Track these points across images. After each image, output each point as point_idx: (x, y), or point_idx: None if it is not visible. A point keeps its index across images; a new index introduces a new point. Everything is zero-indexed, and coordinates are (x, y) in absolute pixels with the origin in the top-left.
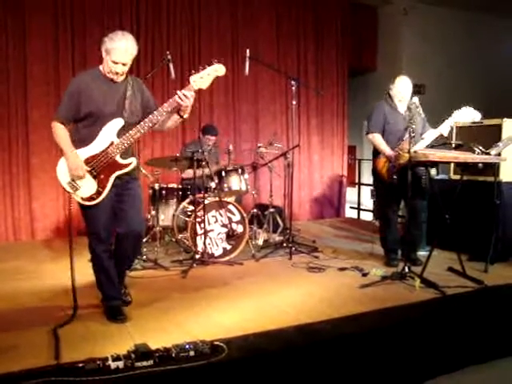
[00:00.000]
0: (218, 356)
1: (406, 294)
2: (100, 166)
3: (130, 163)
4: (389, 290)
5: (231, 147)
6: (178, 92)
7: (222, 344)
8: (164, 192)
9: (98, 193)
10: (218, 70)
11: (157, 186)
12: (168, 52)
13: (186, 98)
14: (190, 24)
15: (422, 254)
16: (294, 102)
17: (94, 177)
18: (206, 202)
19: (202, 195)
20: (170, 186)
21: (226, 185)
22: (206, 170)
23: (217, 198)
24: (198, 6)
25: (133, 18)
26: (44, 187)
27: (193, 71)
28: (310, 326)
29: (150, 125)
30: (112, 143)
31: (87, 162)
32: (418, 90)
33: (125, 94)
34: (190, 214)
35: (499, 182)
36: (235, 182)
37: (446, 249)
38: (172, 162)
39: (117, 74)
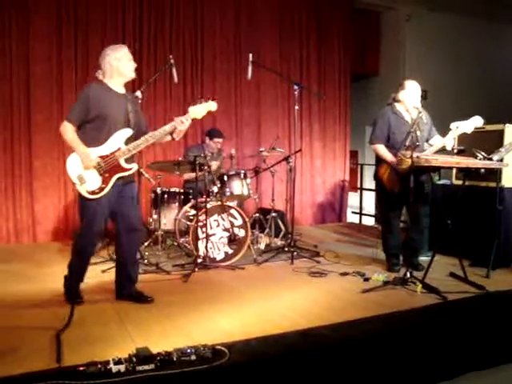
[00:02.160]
0: (220, 360)
1: (408, 299)
2: (106, 166)
3: (132, 168)
4: (390, 295)
5: (233, 151)
6: (176, 118)
7: (223, 348)
8: (166, 196)
9: (101, 189)
10: (212, 106)
11: (159, 190)
12: (171, 56)
13: (182, 123)
14: (193, 28)
15: (423, 259)
16: (297, 107)
17: (100, 174)
18: (208, 206)
19: (203, 199)
20: (172, 189)
21: (228, 189)
22: (208, 169)
23: (219, 203)
24: (201, 10)
25: (136, 21)
26: (46, 190)
27: (192, 103)
28: (311, 330)
29: (153, 140)
30: (119, 149)
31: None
32: (420, 95)
33: (127, 108)
34: (191, 218)
35: (501, 188)
36: (237, 187)
37: (448, 254)
38: (174, 165)
39: (135, 68)
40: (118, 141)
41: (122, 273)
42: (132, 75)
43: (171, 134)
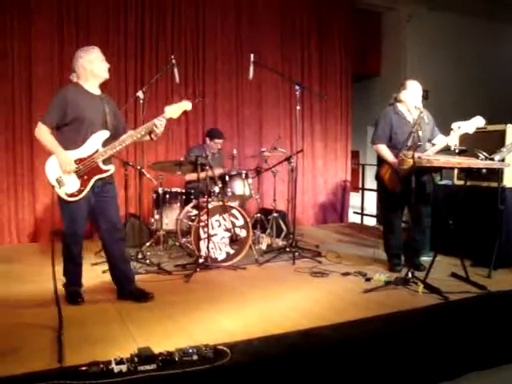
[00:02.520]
0: (222, 360)
1: (409, 299)
2: (85, 169)
3: (109, 169)
4: (392, 295)
5: (235, 152)
6: (155, 120)
7: (225, 348)
8: (168, 196)
9: (80, 191)
10: (187, 105)
11: (160, 190)
12: (172, 56)
13: (160, 123)
14: (195, 28)
15: (425, 259)
16: (298, 107)
17: (79, 177)
18: (210, 206)
19: (205, 199)
20: (174, 190)
21: (229, 189)
22: (210, 174)
23: (220, 203)
24: (203, 11)
25: (137, 21)
26: (48, 189)
27: (168, 104)
28: (312, 330)
29: (131, 140)
30: (97, 151)
31: (75, 163)
32: (422, 95)
33: (104, 109)
34: (193, 218)
35: (503, 188)
36: (239, 187)
37: (450, 254)
38: (176, 166)
39: (108, 69)
40: (95, 143)
41: (116, 272)
42: (106, 76)
43: (149, 134)
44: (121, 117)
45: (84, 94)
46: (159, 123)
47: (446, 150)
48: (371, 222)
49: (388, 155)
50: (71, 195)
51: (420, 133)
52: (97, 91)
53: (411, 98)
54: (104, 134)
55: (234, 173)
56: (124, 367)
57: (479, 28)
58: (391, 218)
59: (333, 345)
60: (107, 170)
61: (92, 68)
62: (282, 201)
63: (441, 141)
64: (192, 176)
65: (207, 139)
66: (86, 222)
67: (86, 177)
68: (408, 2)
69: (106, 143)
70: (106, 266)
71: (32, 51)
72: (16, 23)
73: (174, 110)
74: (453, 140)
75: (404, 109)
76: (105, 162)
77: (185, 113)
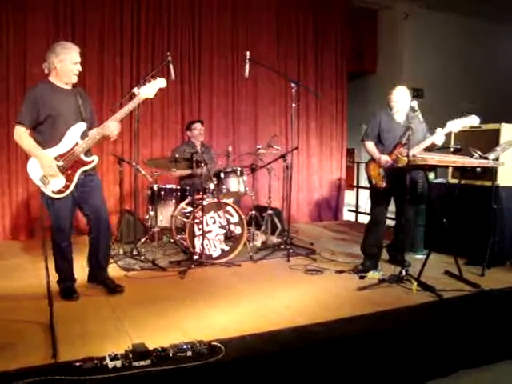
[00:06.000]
0: (216, 356)
1: (403, 297)
2: (67, 164)
3: (93, 160)
4: (386, 293)
5: (230, 149)
6: (130, 103)
7: (219, 344)
8: (162, 193)
9: (66, 186)
10: (161, 83)
11: (155, 187)
12: (168, 53)
13: (137, 106)
14: (191, 25)
15: (419, 257)
16: (294, 105)
17: (63, 172)
18: (205, 203)
19: (200, 196)
20: (169, 186)
21: (224, 186)
22: (204, 170)
23: (215, 200)
24: (199, 8)
25: (133, 18)
26: None
27: (141, 82)
28: (306, 327)
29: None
30: (77, 143)
31: (56, 159)
32: (416, 94)
33: (77, 102)
34: (188, 215)
35: (497, 187)
36: (234, 184)
37: (444, 252)
38: (171, 162)
39: (78, 72)
40: (74, 136)
41: (92, 259)
42: (72, 80)
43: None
44: (92, 109)
45: (55, 90)
46: (136, 106)
47: (441, 149)
48: (366, 219)
49: (374, 151)
50: (58, 192)
51: (410, 132)
52: (68, 86)
53: (392, 102)
54: (81, 126)
55: (229, 170)
56: (118, 363)
57: (476, 28)
58: (377, 215)
59: (326, 342)
60: (91, 162)
61: (62, 67)
62: (276, 198)
63: (427, 138)
64: (181, 172)
65: (188, 133)
66: (73, 216)
67: (70, 171)
68: (405, 0)
69: (83, 135)
70: None
71: (27, 49)
72: (11, 21)
73: (150, 90)
74: (440, 138)
75: (393, 111)
76: (86, 153)
77: (181, 109)
